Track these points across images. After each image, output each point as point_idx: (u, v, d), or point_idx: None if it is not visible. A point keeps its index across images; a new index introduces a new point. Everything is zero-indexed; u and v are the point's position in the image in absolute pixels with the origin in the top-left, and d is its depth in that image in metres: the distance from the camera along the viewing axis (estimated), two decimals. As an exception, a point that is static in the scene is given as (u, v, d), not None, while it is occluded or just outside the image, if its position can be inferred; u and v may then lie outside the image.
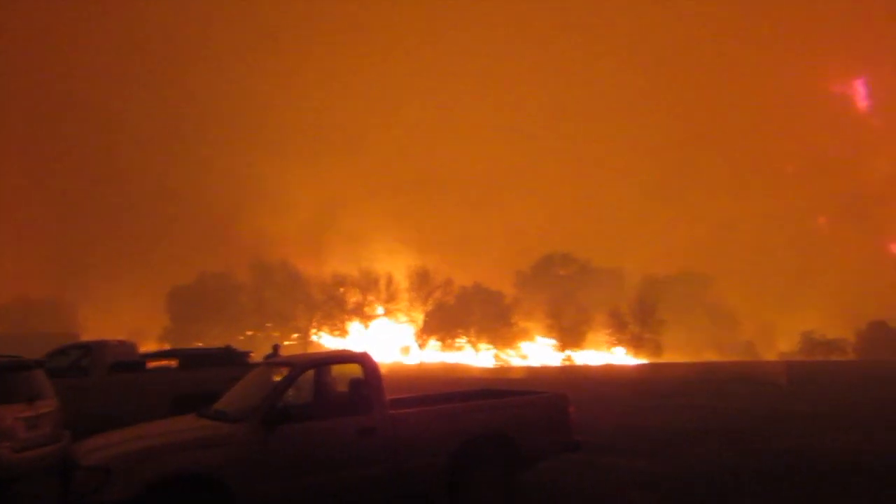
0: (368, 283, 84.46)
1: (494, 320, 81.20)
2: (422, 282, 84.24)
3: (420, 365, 73.52)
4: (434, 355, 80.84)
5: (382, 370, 9.48)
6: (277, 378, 9.07)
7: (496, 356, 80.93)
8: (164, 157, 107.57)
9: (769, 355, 76.48)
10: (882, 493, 10.20)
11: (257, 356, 20.83)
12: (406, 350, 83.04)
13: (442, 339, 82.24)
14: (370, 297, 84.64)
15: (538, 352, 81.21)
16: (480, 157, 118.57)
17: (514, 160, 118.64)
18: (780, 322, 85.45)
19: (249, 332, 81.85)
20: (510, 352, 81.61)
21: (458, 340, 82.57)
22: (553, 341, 78.84)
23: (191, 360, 17.07)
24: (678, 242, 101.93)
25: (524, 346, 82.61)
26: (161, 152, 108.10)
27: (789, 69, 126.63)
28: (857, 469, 11.64)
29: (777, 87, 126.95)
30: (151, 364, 17.64)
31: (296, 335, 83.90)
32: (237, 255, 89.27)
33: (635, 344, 73.48)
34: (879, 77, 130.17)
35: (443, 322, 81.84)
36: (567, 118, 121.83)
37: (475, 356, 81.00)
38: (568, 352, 76.76)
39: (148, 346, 52.39)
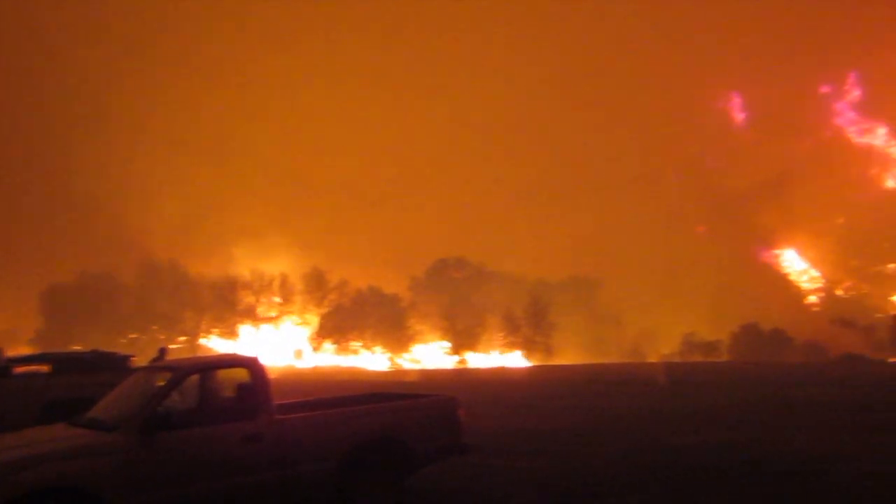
0: (261, 285, 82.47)
1: (390, 323, 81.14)
2: (317, 284, 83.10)
3: (314, 368, 72.39)
4: (328, 358, 79.85)
5: (274, 374, 9.27)
6: (160, 384, 8.68)
7: (391, 359, 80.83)
8: (41, 152, 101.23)
9: (652, 357, 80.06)
10: (750, 484, 10.88)
11: (141, 360, 19.87)
12: (299, 353, 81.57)
13: (337, 342, 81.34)
14: (263, 299, 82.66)
15: (433, 355, 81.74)
16: (376, 162, 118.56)
17: (410, 164, 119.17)
18: (664, 325, 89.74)
19: (133, 335, 78.07)
20: (405, 355, 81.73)
21: (353, 343, 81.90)
22: (448, 344, 79.58)
23: (64, 364, 16.07)
24: (568, 247, 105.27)
25: (419, 349, 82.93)
26: (39, 147, 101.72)
27: (673, 83, 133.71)
28: (729, 463, 12.37)
29: (662, 99, 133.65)
30: (19, 369, 16.46)
31: (183, 338, 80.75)
32: (121, 254, 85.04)
33: (527, 347, 75.27)
34: (754, 92, 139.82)
35: (338, 325, 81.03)
36: (462, 123, 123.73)
37: (370, 359, 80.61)
38: (462, 355, 77.67)
39: (18, 350, 49.10)
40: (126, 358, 17.52)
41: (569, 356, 78.30)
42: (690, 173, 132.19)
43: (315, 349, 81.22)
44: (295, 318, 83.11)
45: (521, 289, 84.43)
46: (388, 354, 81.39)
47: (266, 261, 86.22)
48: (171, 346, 50.63)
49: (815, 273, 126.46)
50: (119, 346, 58.98)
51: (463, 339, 78.04)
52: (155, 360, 19.07)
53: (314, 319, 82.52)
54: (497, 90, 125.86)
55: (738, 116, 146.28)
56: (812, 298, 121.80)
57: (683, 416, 20.20)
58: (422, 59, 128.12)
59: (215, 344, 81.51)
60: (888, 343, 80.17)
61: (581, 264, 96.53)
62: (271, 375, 9.17)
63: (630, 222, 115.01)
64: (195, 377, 9.17)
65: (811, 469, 11.73)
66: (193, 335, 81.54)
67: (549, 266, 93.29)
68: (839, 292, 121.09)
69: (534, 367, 68.62)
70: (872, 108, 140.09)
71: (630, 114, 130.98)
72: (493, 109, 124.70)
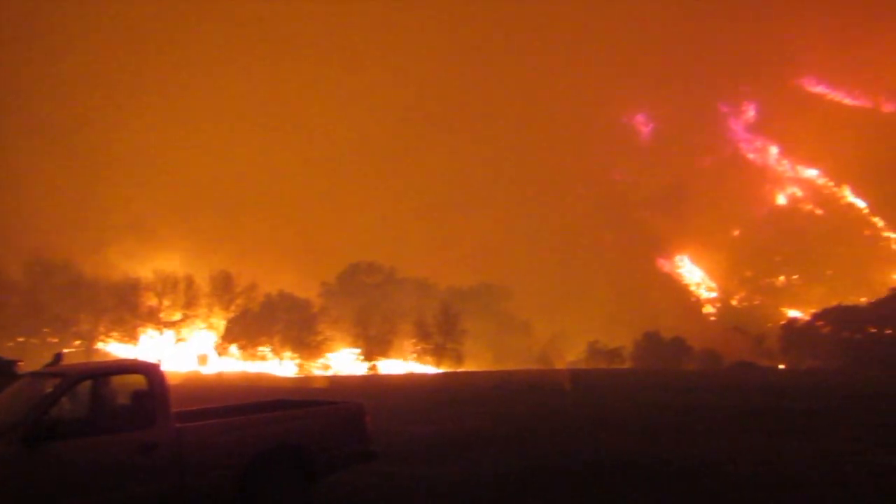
0: (165, 287, 79.38)
1: (300, 329, 79.73)
2: (224, 287, 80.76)
3: (219, 374, 70.22)
4: (235, 364, 77.68)
5: (176, 380, 8.95)
6: (48, 390, 8.21)
7: (299, 365, 79.43)
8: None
9: (559, 364, 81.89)
10: (646, 484, 11.29)
11: (31, 366, 18.74)
12: (204, 359, 78.93)
13: (244, 348, 79.22)
14: (166, 302, 79.57)
15: (343, 361, 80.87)
16: (289, 166, 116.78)
17: (321, 168, 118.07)
18: (571, 332, 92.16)
19: (21, 339, 73.48)
20: (315, 361, 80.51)
21: (261, 349, 79.99)
22: (358, 350, 78.94)
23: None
24: (479, 255, 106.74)
25: (330, 355, 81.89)
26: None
27: (583, 99, 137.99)
28: (631, 465, 12.80)
29: (572, 114, 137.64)
30: None
31: (78, 342, 76.70)
32: (9, 252, 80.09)
33: (438, 353, 75.57)
34: (659, 110, 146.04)
35: (245, 330, 78.95)
36: (378, 128, 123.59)
37: (278, 365, 78.96)
38: (373, 361, 77.21)
39: None
40: (12, 363, 16.53)
41: (479, 363, 79.16)
42: (598, 185, 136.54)
43: (221, 354, 78.83)
44: (200, 322, 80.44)
45: (433, 295, 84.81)
46: (297, 360, 79.95)
47: (169, 261, 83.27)
48: (65, 351, 48.01)
49: (712, 284, 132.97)
50: (5, 350, 55.51)
51: (374, 346, 77.60)
52: (49, 365, 17.99)
53: (221, 324, 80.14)
54: (412, 98, 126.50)
55: (644, 132, 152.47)
56: (709, 308, 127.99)
57: (585, 421, 20.77)
58: (333, 61, 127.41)
59: (114, 349, 77.85)
60: (778, 351, 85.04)
61: (491, 272, 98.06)
62: (173, 381, 8.85)
63: (539, 231, 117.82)
64: (87, 384, 8.72)
65: (702, 470, 12.29)
66: (90, 339, 77.55)
67: (460, 273, 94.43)
68: (734, 302, 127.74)
69: (445, 373, 68.96)
70: (766, 129, 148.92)
71: (541, 126, 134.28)
72: (407, 117, 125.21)
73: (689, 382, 40.35)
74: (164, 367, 8.94)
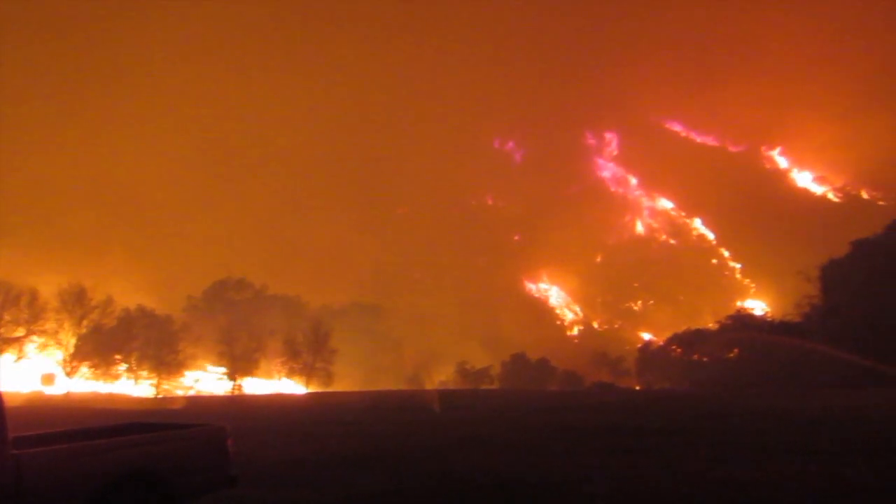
0: (6, 300, 72.83)
1: (159, 346, 75.52)
2: (76, 301, 75.20)
3: (66, 395, 65.25)
4: (85, 385, 72.35)
5: (16, 402, 8.19)
6: None
7: (158, 385, 75.20)
8: None
9: (430, 384, 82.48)
10: (507, 502, 11.52)
11: None
12: (49, 379, 72.92)
13: (96, 367, 73.96)
14: (7, 317, 72.99)
15: (207, 380, 77.44)
16: (154, 177, 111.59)
17: (192, 181, 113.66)
18: (442, 352, 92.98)
19: None
20: (175, 381, 76.50)
21: (116, 368, 75.03)
22: (223, 369, 75.88)
23: None
24: (354, 274, 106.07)
25: (192, 374, 78.12)
26: None
27: (459, 125, 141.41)
28: (490, 484, 13.00)
29: (449, 140, 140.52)
30: None
31: None
32: None
33: (307, 373, 74.00)
34: (529, 139, 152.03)
35: (98, 347, 73.76)
36: (249, 145, 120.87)
37: (134, 385, 74.41)
38: (238, 381, 74.45)
39: None
40: None
41: (349, 383, 78.23)
42: (471, 208, 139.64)
43: (69, 374, 73.17)
44: (47, 339, 74.36)
45: (304, 313, 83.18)
46: (155, 380, 75.62)
47: (14, 271, 76.76)
48: None
49: (576, 307, 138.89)
50: None
51: (240, 364, 74.79)
52: None
53: (71, 341, 74.48)
54: (288, 115, 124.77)
55: (516, 158, 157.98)
56: (574, 331, 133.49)
57: (452, 441, 20.95)
58: (212, 74, 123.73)
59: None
60: (634, 373, 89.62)
61: (365, 291, 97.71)
62: (12, 403, 8.10)
63: (413, 252, 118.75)
64: None
65: (563, 489, 12.69)
66: (-86, 356, 69.84)
67: (334, 291, 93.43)
68: (595, 325, 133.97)
69: (314, 393, 67.62)
70: (627, 161, 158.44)
71: (416, 148, 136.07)
72: (293, 134, 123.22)
73: (553, 402, 41.75)
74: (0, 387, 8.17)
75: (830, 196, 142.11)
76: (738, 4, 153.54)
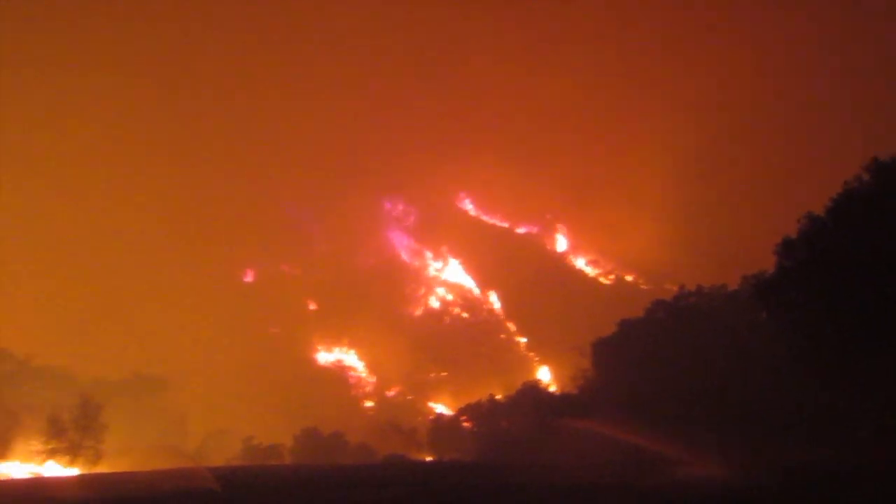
0: None
1: None
2: None
3: None
4: None
5: None
6: None
7: None
8: None
9: (217, 460, 78.27)
10: None
11: None
12: None
13: None
14: None
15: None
16: None
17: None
18: (231, 427, 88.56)
19: None
20: None
21: None
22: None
23: None
24: (133, 344, 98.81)
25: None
26: None
27: (262, 188, 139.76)
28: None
29: (247, 204, 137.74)
30: None
31: None
32: None
33: (73, 452, 67.18)
34: (328, 206, 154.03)
35: None
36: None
37: None
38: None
39: None
40: None
41: (126, 462, 71.87)
42: (265, 275, 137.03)
43: None
44: None
45: (74, 387, 75.83)
46: None
47: None
48: None
49: (371, 378, 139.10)
50: None
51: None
52: None
53: None
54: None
55: (313, 226, 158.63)
56: (369, 403, 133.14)
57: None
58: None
59: None
60: (426, 444, 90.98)
61: (147, 362, 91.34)
62: None
63: (199, 321, 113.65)
64: None
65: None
66: None
67: (109, 363, 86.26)
68: (390, 395, 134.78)
69: (79, 476, 61.23)
70: (423, 235, 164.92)
71: (208, 213, 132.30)
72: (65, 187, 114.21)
73: (347, 479, 41.39)
74: None
75: (602, 280, 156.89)
76: (535, 91, 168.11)
